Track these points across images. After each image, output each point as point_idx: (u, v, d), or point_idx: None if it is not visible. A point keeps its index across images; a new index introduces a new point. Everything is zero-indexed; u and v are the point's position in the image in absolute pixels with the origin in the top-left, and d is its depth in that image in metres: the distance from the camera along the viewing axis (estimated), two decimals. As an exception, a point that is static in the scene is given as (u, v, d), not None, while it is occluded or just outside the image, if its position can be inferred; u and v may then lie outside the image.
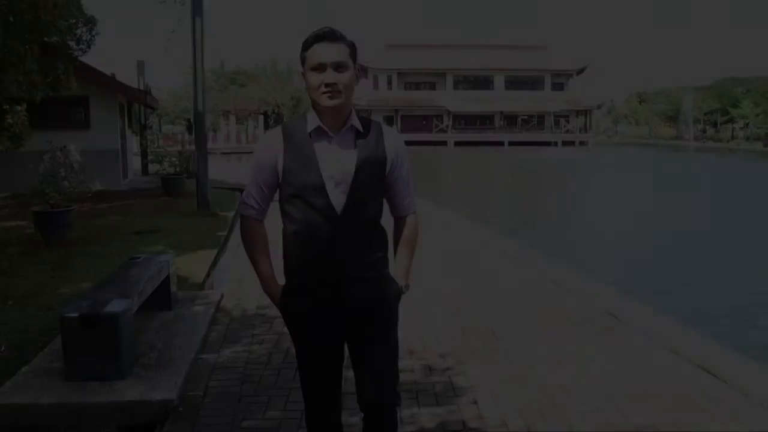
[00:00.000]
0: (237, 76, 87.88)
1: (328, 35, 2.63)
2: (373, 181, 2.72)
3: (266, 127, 63.24)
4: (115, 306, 4.59)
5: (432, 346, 5.46)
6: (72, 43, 15.74)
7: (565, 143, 69.54)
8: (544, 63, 77.79)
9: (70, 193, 10.75)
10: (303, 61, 2.67)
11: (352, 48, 2.69)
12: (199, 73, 14.31)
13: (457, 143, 70.32)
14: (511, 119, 75.53)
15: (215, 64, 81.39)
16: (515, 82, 77.93)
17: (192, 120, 57.62)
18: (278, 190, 2.78)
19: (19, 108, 14.82)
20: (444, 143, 70.88)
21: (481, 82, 77.97)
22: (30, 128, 15.38)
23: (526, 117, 75.25)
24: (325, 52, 2.59)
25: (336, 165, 2.65)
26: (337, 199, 2.64)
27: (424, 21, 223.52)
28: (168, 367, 4.83)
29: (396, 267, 2.88)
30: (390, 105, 74.06)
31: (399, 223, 2.92)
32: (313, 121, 2.67)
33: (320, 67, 2.59)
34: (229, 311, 6.63)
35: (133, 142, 26.68)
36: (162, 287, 6.08)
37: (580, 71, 78.50)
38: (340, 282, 2.67)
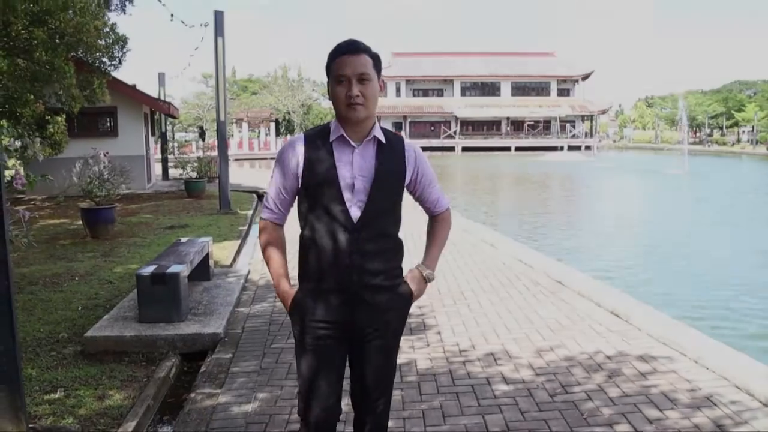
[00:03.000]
0: (249, 84, 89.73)
1: (351, 47, 2.63)
2: (391, 193, 2.74)
3: (278, 134, 64.92)
4: (175, 268, 6.23)
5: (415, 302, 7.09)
6: (106, 60, 17.41)
7: (570, 148, 70.61)
8: (551, 69, 79.18)
9: (106, 194, 12.42)
10: (328, 72, 2.67)
11: (376, 60, 2.68)
12: (221, 87, 15.99)
13: (465, 149, 71.61)
14: (517, 125, 76.82)
15: (227, 72, 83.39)
16: (522, 88, 79.40)
17: (204, 127, 58.87)
18: (297, 196, 2.81)
19: (59, 118, 16.43)
20: (452, 149, 72.22)
21: (488, 89, 79.40)
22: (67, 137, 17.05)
23: (532, 122, 76.45)
24: (348, 65, 2.59)
25: (355, 175, 2.65)
26: (354, 208, 2.65)
27: (432, 29, 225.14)
28: (213, 314, 6.46)
29: (425, 256, 2.93)
30: (398, 111, 75.61)
31: (434, 220, 3.01)
32: (336, 131, 2.68)
33: (344, 80, 2.61)
34: (255, 282, 8.29)
35: (154, 149, 28.37)
36: (203, 262, 7.73)
37: (586, 77, 79.78)
38: (353, 291, 2.67)
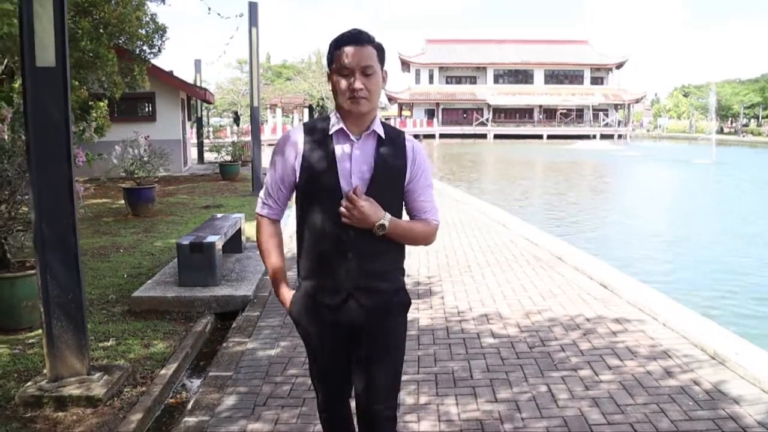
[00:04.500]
0: (283, 70, 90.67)
1: (356, 38, 2.50)
2: (390, 190, 2.62)
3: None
4: (211, 239, 7.05)
5: (423, 272, 7.87)
6: (146, 48, 18.33)
7: (603, 137, 70.57)
8: (584, 57, 78.94)
9: (147, 175, 13.34)
10: (330, 62, 2.56)
11: (380, 51, 2.56)
12: (255, 74, 16.83)
13: (497, 136, 71.86)
14: (550, 113, 76.83)
15: (262, 58, 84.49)
16: (555, 76, 79.33)
17: (239, 112, 59.96)
18: (295, 191, 2.70)
19: (101, 104, 17.37)
20: (484, 136, 72.55)
21: (521, 76, 79.44)
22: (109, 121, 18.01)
23: (565, 111, 76.40)
24: (352, 57, 2.47)
25: (354, 170, 2.55)
26: None
27: (465, 16, 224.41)
28: (244, 280, 7.28)
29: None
30: (431, 99, 76.05)
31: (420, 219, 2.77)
32: (336, 123, 2.58)
33: (347, 71, 2.49)
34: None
35: (191, 133, 29.39)
36: (236, 235, 8.56)
37: (620, 65, 79.42)
38: (349, 290, 2.59)
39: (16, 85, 13.21)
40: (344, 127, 2.58)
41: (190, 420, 4.13)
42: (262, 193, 2.76)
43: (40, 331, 5.81)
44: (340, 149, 2.58)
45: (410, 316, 6.03)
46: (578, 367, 4.86)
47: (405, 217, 2.75)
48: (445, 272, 7.90)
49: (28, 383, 4.58)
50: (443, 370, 4.84)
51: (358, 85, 2.49)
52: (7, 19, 8.02)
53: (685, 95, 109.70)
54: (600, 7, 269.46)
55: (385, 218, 2.55)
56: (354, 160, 2.57)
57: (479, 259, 8.61)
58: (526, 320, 6.00)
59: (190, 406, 4.40)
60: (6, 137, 5.87)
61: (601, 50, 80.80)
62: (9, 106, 6.39)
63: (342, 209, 2.50)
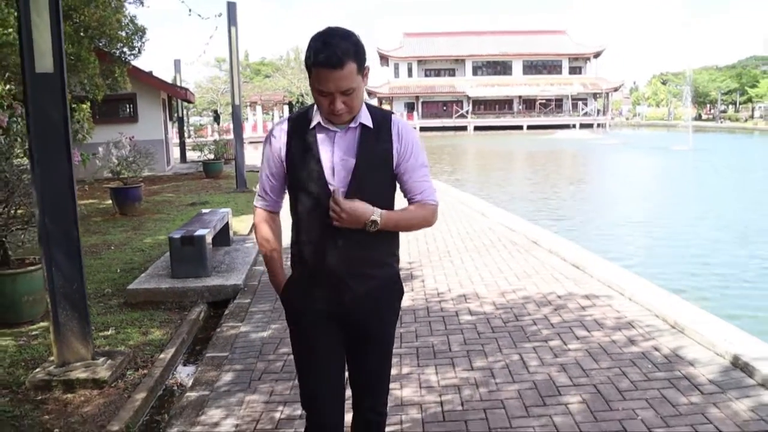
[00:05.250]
0: (261, 68, 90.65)
1: (332, 61, 2.34)
2: (376, 175, 2.58)
3: (291, 117, 65.74)
4: (201, 232, 7.38)
5: (405, 258, 8.23)
6: (126, 50, 18.55)
7: (583, 126, 71.22)
8: (562, 47, 79.51)
9: (133, 175, 13.63)
10: (308, 70, 2.45)
11: (359, 60, 2.43)
12: (235, 72, 17.11)
13: (477, 128, 72.31)
14: (529, 103, 77.35)
15: (240, 56, 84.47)
16: (533, 67, 79.82)
17: (219, 111, 59.95)
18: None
19: (84, 106, 17.58)
20: (464, 128, 72.99)
21: (499, 68, 79.86)
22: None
23: (544, 101, 76.95)
24: (330, 81, 2.37)
25: (338, 158, 2.53)
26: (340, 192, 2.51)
27: (442, 8, 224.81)
28: (234, 271, 7.62)
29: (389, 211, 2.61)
30: (410, 92, 76.36)
31: (417, 202, 2.70)
32: (316, 117, 2.55)
33: (326, 93, 2.42)
34: (269, 247, 9.44)
35: (172, 133, 29.58)
36: (224, 229, 8.89)
37: (598, 54, 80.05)
38: (340, 279, 2.56)
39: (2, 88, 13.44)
40: (323, 123, 2.54)
41: (192, 395, 4.49)
42: (258, 186, 2.79)
43: (41, 323, 6.15)
44: (322, 138, 2.56)
45: (393, 298, 6.43)
46: (548, 338, 5.25)
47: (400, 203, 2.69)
48: (425, 258, 8.29)
49: (37, 369, 4.90)
50: (424, 345, 5.22)
51: (338, 106, 2.43)
52: (3, 29, 8.29)
53: (664, 83, 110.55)
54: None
55: (376, 214, 2.50)
56: (336, 148, 2.54)
57: (458, 245, 9.00)
58: (502, 299, 6.39)
59: (190, 383, 4.75)
60: (2, 140, 6.16)
61: (578, 40, 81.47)
62: (3, 111, 6.68)
63: (331, 213, 2.48)
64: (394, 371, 4.60)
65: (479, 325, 5.64)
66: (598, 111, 77.47)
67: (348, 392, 2.81)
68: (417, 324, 5.73)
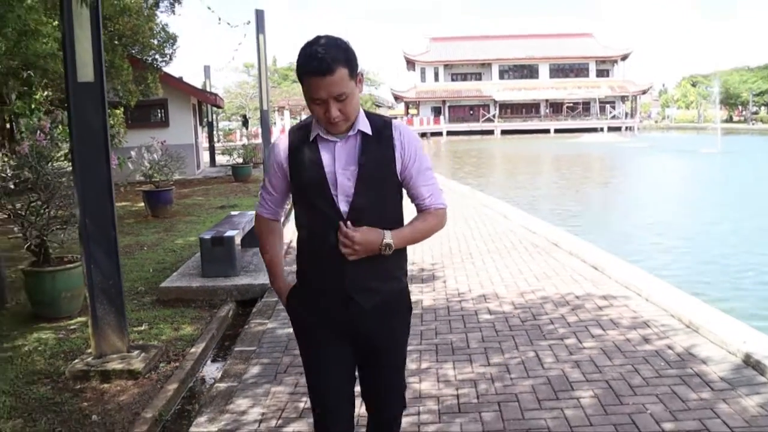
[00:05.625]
0: (289, 72, 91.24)
1: (323, 68, 2.33)
2: (380, 182, 2.54)
3: (319, 120, 66.11)
4: (230, 233, 7.65)
5: (428, 260, 8.45)
6: (158, 57, 18.98)
7: (611, 129, 70.85)
8: (589, 50, 79.13)
9: (164, 178, 13.99)
10: (300, 80, 2.44)
11: (351, 66, 2.41)
12: (263, 78, 17.44)
13: (504, 132, 72.18)
14: (556, 107, 77.07)
15: (268, 62, 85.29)
16: (560, 70, 79.52)
17: (247, 116, 60.64)
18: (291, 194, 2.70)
19: (117, 111, 18.03)
20: (491, 132, 72.88)
21: (526, 71, 79.70)
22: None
23: (571, 104, 76.62)
24: (322, 88, 2.36)
25: (340, 169, 2.49)
26: (343, 204, 2.49)
27: (469, 13, 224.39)
28: (262, 271, 7.86)
29: (397, 229, 2.57)
30: (437, 96, 76.49)
31: (424, 210, 2.69)
32: (315, 129, 2.53)
33: (320, 101, 2.40)
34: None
35: (202, 137, 30.05)
36: (252, 231, 9.14)
37: (625, 57, 79.55)
38: (346, 292, 2.53)
39: (37, 96, 13.89)
40: (322, 134, 2.52)
41: (221, 386, 4.73)
42: (260, 194, 2.80)
43: (79, 318, 6.46)
44: (324, 151, 2.53)
45: (414, 297, 6.60)
46: (564, 336, 5.42)
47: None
48: (447, 259, 8.48)
49: (76, 360, 5.18)
50: (443, 341, 5.41)
51: (333, 113, 2.40)
52: (43, 38, 8.66)
53: (693, 85, 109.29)
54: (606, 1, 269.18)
55: (387, 236, 2.49)
56: (338, 160, 2.51)
57: (480, 247, 9.18)
58: (521, 299, 6.57)
59: (219, 375, 5.00)
60: (45, 144, 6.47)
61: (605, 42, 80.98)
62: (45, 117, 7.00)
63: (342, 249, 2.45)
64: (413, 366, 4.85)
65: (497, 323, 5.83)
66: (626, 114, 76.95)
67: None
68: (437, 322, 5.93)
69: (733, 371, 4.58)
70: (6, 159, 6.59)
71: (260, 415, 4.20)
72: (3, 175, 6.48)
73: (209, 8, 11.77)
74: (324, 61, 2.33)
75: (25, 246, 6.62)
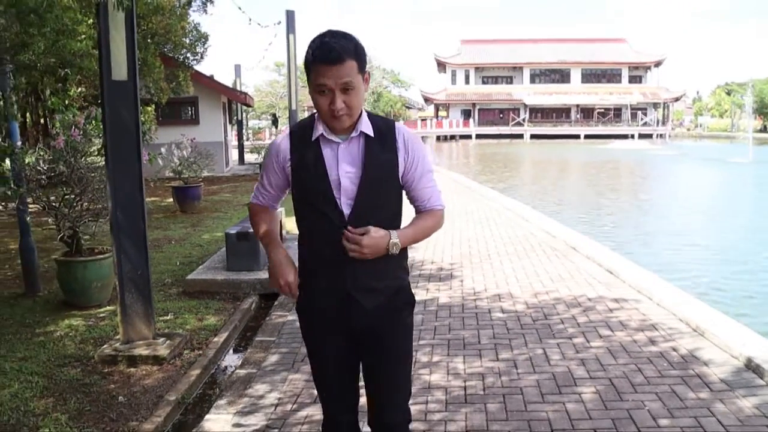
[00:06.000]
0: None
1: (332, 56, 2.34)
2: (383, 186, 2.56)
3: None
4: (254, 229, 7.91)
5: (447, 259, 8.65)
6: (189, 55, 19.38)
7: (642, 136, 70.29)
8: (622, 56, 78.60)
9: (193, 175, 14.34)
10: (307, 73, 2.43)
11: (359, 59, 2.42)
12: (293, 78, 17.68)
13: (534, 136, 71.97)
14: (587, 112, 76.65)
15: (298, 61, 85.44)
16: (592, 75, 79.07)
17: (277, 114, 61.26)
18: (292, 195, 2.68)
19: (149, 108, 18.42)
20: (520, 136, 72.68)
21: (557, 76, 79.39)
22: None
23: (602, 110, 76.20)
24: (329, 76, 2.36)
25: (343, 170, 2.49)
26: (345, 206, 2.50)
27: (501, 10, 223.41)
28: (284, 266, 8.12)
29: (400, 229, 2.60)
30: (467, 99, 76.54)
31: (422, 211, 2.72)
32: (317, 128, 2.51)
33: (325, 90, 2.39)
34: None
35: (231, 135, 30.49)
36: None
37: (659, 63, 78.93)
38: (348, 292, 2.54)
39: (74, 91, 14.30)
40: (325, 134, 2.51)
41: (241, 372, 4.98)
42: (256, 186, 2.79)
43: (108, 307, 6.74)
44: (327, 151, 2.52)
45: (431, 295, 6.85)
46: (573, 336, 5.58)
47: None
48: (466, 260, 8.66)
49: (104, 346, 5.46)
50: (455, 337, 5.61)
51: (338, 105, 2.39)
52: (79, 37, 8.99)
53: (728, 93, 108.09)
54: (641, 2, 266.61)
55: (393, 236, 2.52)
56: (341, 162, 2.51)
57: (499, 249, 9.35)
58: (534, 299, 6.73)
59: (240, 362, 5.24)
60: (79, 139, 6.77)
61: (639, 48, 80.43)
62: (79, 113, 7.30)
63: (350, 253, 2.46)
64: (425, 358, 5.06)
65: (509, 321, 6.01)
66: (658, 121, 76.26)
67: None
68: (451, 319, 6.13)
69: (734, 374, 4.71)
70: (42, 153, 6.90)
71: (277, 400, 4.44)
72: (39, 168, 6.79)
73: (240, 9, 12.06)
74: (334, 50, 2.35)
75: (59, 237, 6.93)
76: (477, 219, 12.31)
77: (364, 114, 2.55)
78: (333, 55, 2.34)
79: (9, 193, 6.65)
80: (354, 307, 2.57)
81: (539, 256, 8.80)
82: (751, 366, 4.78)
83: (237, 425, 4.11)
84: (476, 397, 4.41)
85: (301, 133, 2.59)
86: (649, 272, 7.60)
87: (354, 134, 2.51)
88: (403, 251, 2.65)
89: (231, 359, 5.68)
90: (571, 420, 4.04)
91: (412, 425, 3.87)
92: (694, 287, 8.14)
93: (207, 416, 4.30)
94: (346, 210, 2.50)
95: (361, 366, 2.77)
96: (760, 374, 4.65)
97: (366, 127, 2.53)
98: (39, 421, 4.21)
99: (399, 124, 2.66)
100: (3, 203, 7.08)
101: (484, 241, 10.04)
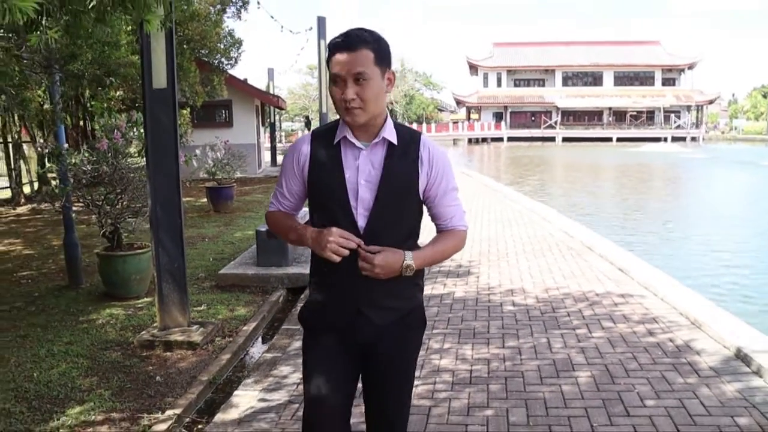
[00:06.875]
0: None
1: (346, 42, 2.30)
2: (401, 199, 2.45)
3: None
4: (282, 226, 8.39)
5: (466, 257, 9.06)
6: (224, 60, 19.97)
7: (675, 139, 69.75)
8: (655, 58, 77.96)
9: (226, 176, 14.91)
10: (327, 64, 2.38)
11: (379, 52, 2.34)
12: (323, 81, 18.24)
13: (565, 139, 71.77)
14: (619, 115, 76.09)
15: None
16: (624, 78, 78.49)
17: (310, 117, 61.79)
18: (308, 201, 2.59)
19: (184, 111, 19.03)
20: (552, 139, 72.51)
21: (589, 78, 79.00)
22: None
23: (635, 113, 75.69)
24: (342, 63, 2.29)
25: (363, 180, 2.40)
26: (361, 217, 2.41)
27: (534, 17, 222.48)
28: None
29: (418, 249, 2.48)
30: (499, 102, 76.46)
31: (444, 230, 2.59)
32: (341, 131, 2.43)
33: (338, 79, 2.31)
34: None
35: (264, 138, 31.12)
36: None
37: (692, 66, 78.23)
38: (360, 308, 2.47)
39: (114, 95, 14.94)
40: (348, 136, 2.42)
41: (267, 355, 5.45)
42: (272, 194, 2.68)
43: (146, 299, 7.25)
44: (347, 159, 2.43)
45: (447, 289, 7.28)
46: (577, 327, 5.97)
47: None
48: (484, 258, 9.07)
49: (143, 332, 5.96)
50: (466, 327, 6.03)
51: (349, 94, 2.30)
52: (122, 48, 9.57)
53: (765, 95, 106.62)
54: (677, 3, 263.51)
55: (408, 257, 2.40)
56: (361, 171, 2.41)
57: (517, 248, 9.74)
58: (545, 294, 7.12)
59: (266, 347, 5.71)
60: (121, 141, 7.30)
61: (672, 50, 79.73)
62: (120, 117, 7.84)
63: (363, 272, 2.36)
64: (436, 345, 5.48)
65: (519, 314, 6.41)
66: (692, 124, 75.57)
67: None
68: (464, 311, 6.54)
69: (723, 362, 5.07)
70: (86, 154, 7.44)
71: (298, 380, 4.88)
72: (84, 168, 7.33)
73: (272, 17, 12.60)
74: (349, 37, 2.32)
75: (101, 233, 7.46)
76: (499, 219, 12.70)
77: (390, 121, 2.47)
78: (347, 41, 2.31)
79: (56, 191, 7.21)
80: (366, 324, 2.49)
81: (555, 255, 9.17)
82: (740, 355, 5.13)
83: (262, 400, 4.58)
84: (480, 379, 4.82)
85: (323, 135, 2.51)
86: (657, 270, 7.93)
87: (377, 140, 2.43)
88: (420, 270, 2.53)
89: (259, 346, 6.15)
90: (565, 400, 4.43)
91: (420, 402, 4.36)
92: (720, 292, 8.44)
93: (235, 392, 4.77)
94: (361, 221, 2.41)
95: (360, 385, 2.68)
96: (747, 363, 4.99)
97: (389, 133, 2.44)
98: (85, 396, 4.70)
99: (425, 137, 2.55)
100: (51, 201, 7.63)
101: (503, 240, 10.43)
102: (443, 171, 2.50)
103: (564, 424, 4.08)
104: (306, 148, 2.51)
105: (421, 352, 5.11)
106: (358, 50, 2.29)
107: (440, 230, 2.59)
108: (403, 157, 2.45)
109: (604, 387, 4.63)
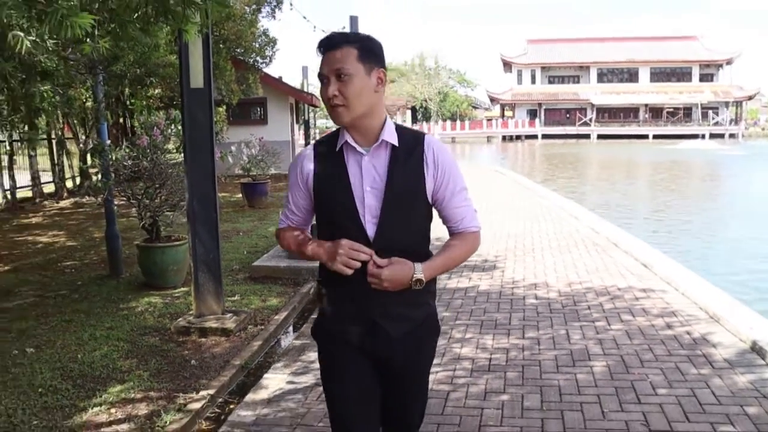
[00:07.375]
0: (387, 72, 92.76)
1: (328, 41, 2.30)
2: (409, 203, 2.39)
3: (414, 121, 67.30)
4: (314, 221, 8.65)
5: (492, 252, 9.26)
6: (259, 59, 20.34)
7: (713, 136, 68.74)
8: (693, 53, 76.88)
9: (261, 172, 15.27)
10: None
11: (364, 49, 2.29)
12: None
13: (601, 136, 71.18)
14: (656, 112, 75.19)
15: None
16: (661, 74, 77.49)
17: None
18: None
19: (220, 109, 19.42)
20: (587, 136, 71.89)
21: (625, 75, 78.17)
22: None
23: (671, 109, 74.75)
24: (324, 62, 2.29)
25: (368, 186, 2.35)
26: (370, 225, 2.35)
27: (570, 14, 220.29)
28: (340, 256, 8.85)
29: (428, 259, 2.40)
30: (533, 99, 76.09)
31: (456, 233, 2.52)
32: (342, 136, 2.39)
33: (324, 79, 2.30)
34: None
35: (299, 135, 31.51)
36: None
37: (731, 61, 77.01)
38: (372, 318, 2.41)
39: (153, 93, 15.36)
40: (348, 140, 2.37)
41: (296, 342, 5.74)
42: (282, 214, 2.66)
43: (182, 288, 7.57)
44: (352, 165, 2.38)
45: (472, 283, 7.50)
46: (596, 319, 6.15)
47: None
48: (511, 253, 9.26)
49: (179, 319, 6.27)
50: (489, 318, 6.25)
51: (330, 91, 2.28)
52: (157, 52, 9.95)
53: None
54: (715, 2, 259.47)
55: (417, 270, 2.32)
56: (365, 176, 2.36)
57: (543, 244, 9.91)
58: (567, 288, 7.31)
59: (295, 335, 5.98)
60: (160, 138, 7.63)
61: (710, 45, 78.53)
62: (159, 115, 8.19)
63: (371, 285, 2.30)
64: (458, 335, 5.71)
65: (540, 306, 6.60)
66: (731, 120, 74.41)
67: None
68: (488, 303, 6.76)
69: (738, 354, 5.21)
70: (127, 150, 7.78)
71: (325, 365, 5.15)
72: (125, 164, 7.67)
73: (304, 17, 12.88)
74: (332, 38, 2.31)
75: (140, 225, 7.81)
76: (525, 216, 12.86)
77: (390, 123, 2.42)
78: (328, 41, 2.31)
79: (99, 185, 7.57)
80: (379, 334, 2.43)
81: (580, 251, 9.33)
82: (755, 348, 5.27)
83: (290, 382, 4.86)
84: (498, 366, 5.04)
85: (326, 143, 2.49)
86: (680, 265, 8.05)
87: (377, 144, 2.37)
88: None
89: (289, 334, 6.43)
90: (579, 387, 4.63)
91: (439, 387, 4.60)
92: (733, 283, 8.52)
93: (265, 375, 5.05)
94: (370, 229, 2.36)
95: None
96: (762, 355, 5.13)
97: (390, 135, 2.38)
98: (125, 376, 5.02)
99: (429, 137, 2.48)
100: (93, 195, 8.00)
101: (530, 236, 10.61)
102: (450, 171, 2.43)
103: (576, 410, 4.28)
104: (309, 159, 2.48)
105: (443, 341, 5.41)
106: (339, 48, 2.28)
107: (452, 233, 2.52)
108: (408, 159, 2.39)
109: (618, 376, 4.81)
